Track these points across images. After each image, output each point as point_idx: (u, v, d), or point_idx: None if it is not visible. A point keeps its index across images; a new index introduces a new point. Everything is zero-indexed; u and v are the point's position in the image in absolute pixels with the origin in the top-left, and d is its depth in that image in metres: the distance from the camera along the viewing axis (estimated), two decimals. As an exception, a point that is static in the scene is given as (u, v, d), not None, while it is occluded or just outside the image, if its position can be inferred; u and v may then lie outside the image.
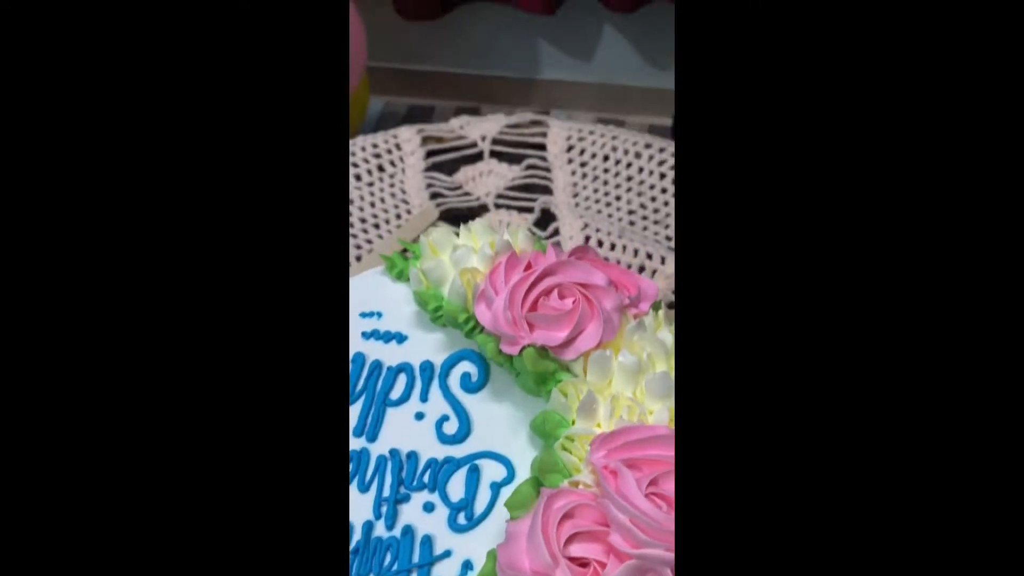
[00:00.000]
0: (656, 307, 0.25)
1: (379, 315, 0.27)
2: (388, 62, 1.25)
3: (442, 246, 0.28)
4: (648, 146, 0.46)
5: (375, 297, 0.28)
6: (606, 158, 0.46)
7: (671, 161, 0.45)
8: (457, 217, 0.44)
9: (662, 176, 0.45)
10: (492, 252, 0.26)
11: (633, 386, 0.22)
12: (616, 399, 0.22)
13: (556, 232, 0.41)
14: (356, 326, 0.27)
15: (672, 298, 0.38)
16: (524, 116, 0.49)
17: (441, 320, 0.26)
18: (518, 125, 0.48)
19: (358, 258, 0.41)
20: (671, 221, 0.43)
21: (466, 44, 1.22)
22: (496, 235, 0.27)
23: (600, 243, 0.40)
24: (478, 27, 1.17)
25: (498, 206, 0.44)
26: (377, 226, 0.43)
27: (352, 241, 0.42)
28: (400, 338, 0.26)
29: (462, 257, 0.26)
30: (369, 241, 0.42)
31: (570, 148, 0.47)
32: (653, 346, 0.23)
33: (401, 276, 0.28)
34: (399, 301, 0.27)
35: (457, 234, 0.29)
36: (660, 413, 0.21)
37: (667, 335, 0.24)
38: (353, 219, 0.43)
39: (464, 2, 1.08)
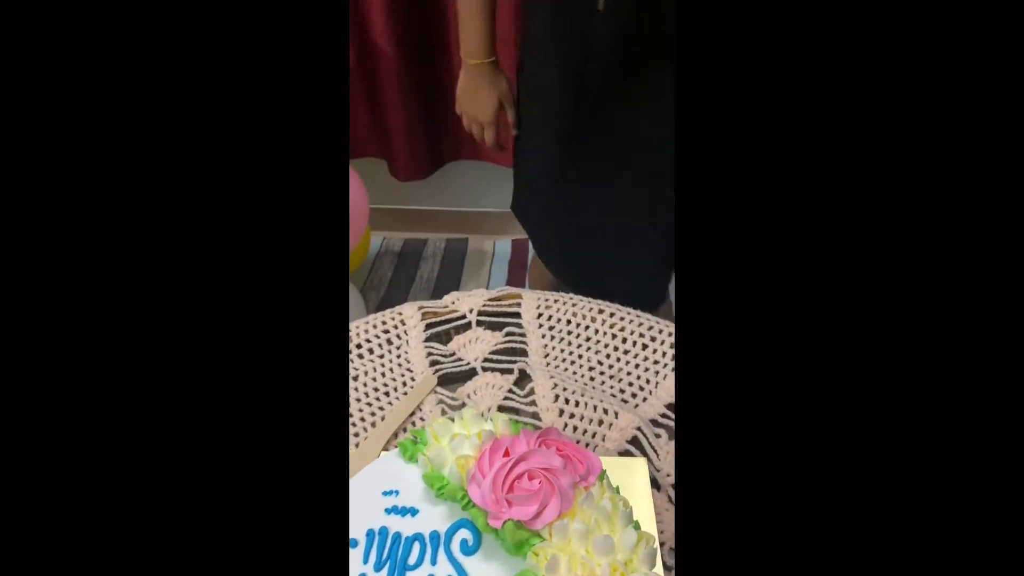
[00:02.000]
0: (601, 478, 0.35)
1: (397, 492, 0.36)
2: (385, 204, 1.42)
3: (442, 434, 0.37)
4: (601, 311, 0.58)
5: (393, 477, 0.37)
6: (568, 322, 0.58)
7: (621, 323, 0.57)
8: (452, 380, 0.54)
9: (613, 336, 0.56)
10: (479, 441, 0.36)
11: (585, 545, 0.31)
12: (573, 557, 0.31)
13: (532, 391, 0.51)
14: (380, 503, 0.36)
15: (625, 447, 0.47)
16: (503, 290, 0.61)
17: (444, 495, 0.35)
18: (498, 298, 0.60)
19: (373, 424, 0.50)
20: (623, 375, 0.53)
21: (452, 188, 1.39)
22: (483, 424, 0.37)
23: (566, 400, 0.50)
24: (464, 176, 1.35)
25: (485, 369, 0.54)
26: (387, 394, 0.53)
27: (368, 408, 0.52)
28: (413, 512, 0.35)
29: (457, 445, 0.36)
30: (381, 408, 0.52)
31: (540, 315, 0.58)
32: (598, 513, 0.32)
33: (412, 458, 0.38)
34: (412, 480, 0.37)
35: (452, 420, 0.39)
36: (604, 568, 0.30)
37: (607, 502, 0.33)
38: (368, 388, 0.53)
39: (449, 160, 1.26)
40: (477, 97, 0.68)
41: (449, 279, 1.40)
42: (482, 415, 0.39)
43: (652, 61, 0.59)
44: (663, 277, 0.82)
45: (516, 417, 0.49)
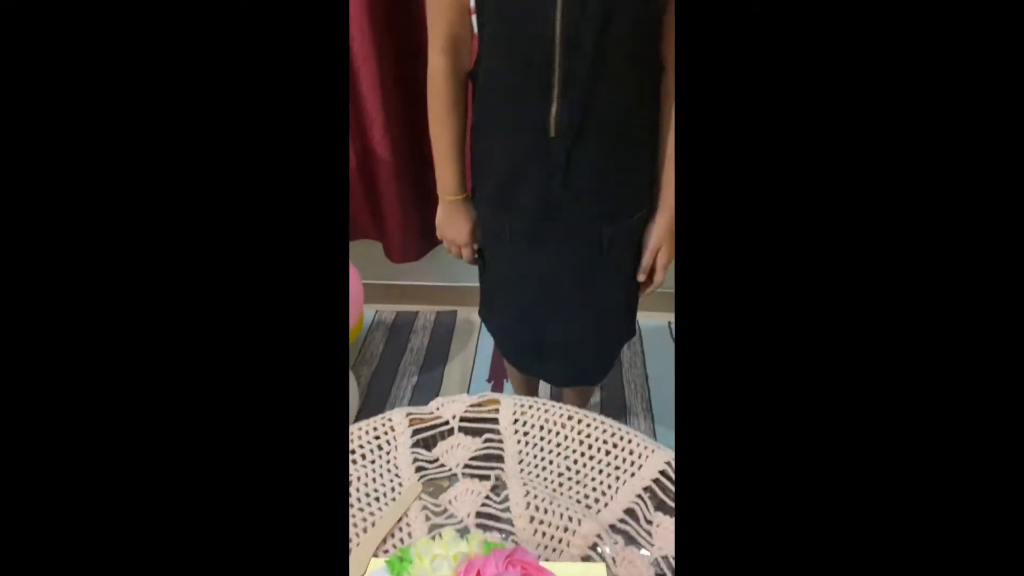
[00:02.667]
0: (558, 596, 0.41)
1: (385, 608, 0.42)
2: (378, 279, 1.50)
3: (425, 553, 0.44)
4: (571, 418, 0.65)
5: (382, 593, 0.43)
6: (541, 428, 0.65)
7: (587, 430, 0.64)
8: (436, 485, 0.60)
9: (580, 443, 0.63)
10: (455, 564, 0.42)
11: (542, 661, 0.38)
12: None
13: (507, 498, 0.58)
14: (370, 618, 0.42)
15: (587, 552, 0.53)
16: (484, 395, 0.68)
17: (425, 612, 0.41)
18: (479, 404, 0.67)
19: (364, 530, 0.56)
20: (588, 481, 0.60)
21: (442, 265, 1.48)
22: (460, 544, 0.44)
23: (536, 507, 0.57)
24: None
25: (465, 475, 0.61)
26: (377, 499, 0.59)
27: (359, 514, 0.58)
28: (400, 626, 0.41)
29: (438, 566, 0.42)
30: (372, 513, 0.58)
31: (515, 421, 0.66)
32: (553, 631, 0.39)
33: (400, 574, 0.44)
34: (398, 596, 0.43)
35: (434, 539, 0.45)
36: None
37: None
38: (360, 494, 0.59)
39: (439, 243, 1.35)
40: (453, 226, 0.79)
41: (438, 351, 1.47)
42: (460, 532, 0.45)
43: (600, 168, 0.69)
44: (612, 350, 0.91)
45: (492, 523, 0.55)
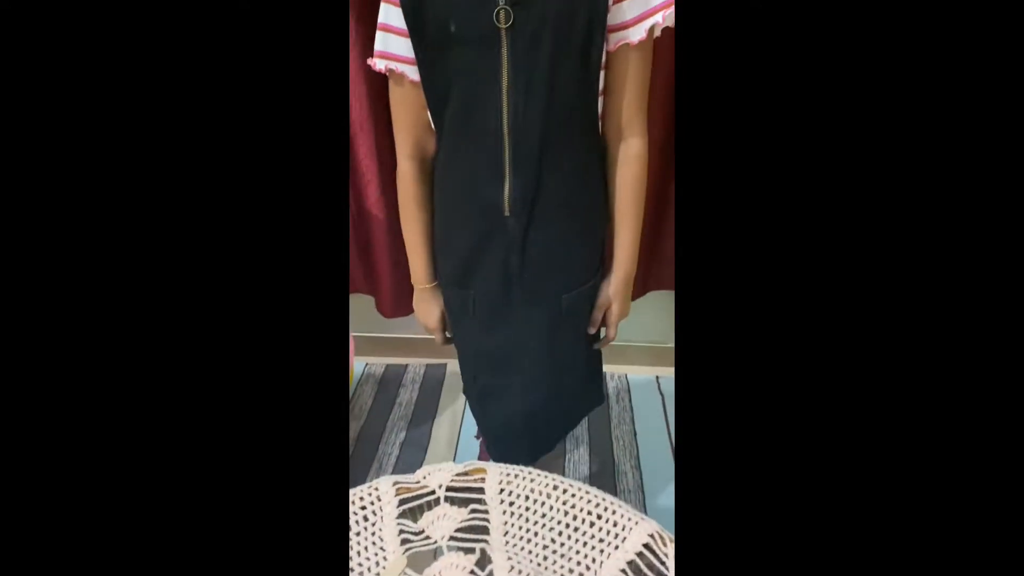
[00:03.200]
0: None
1: None
2: (367, 332, 1.51)
3: None
4: (556, 487, 0.66)
5: None
6: (527, 498, 0.65)
7: (572, 500, 0.64)
8: (421, 558, 0.60)
9: (565, 513, 0.64)
10: None
11: None
12: None
13: (492, 573, 0.58)
14: None
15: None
16: (470, 464, 0.69)
17: None
18: (465, 473, 0.68)
19: (347, 607, 0.56)
20: (572, 554, 0.60)
21: (433, 320, 1.49)
22: None
23: (522, 583, 0.56)
24: (442, 311, 1.46)
25: (450, 548, 0.61)
26: (362, 575, 0.59)
27: (342, 590, 0.57)
28: None
29: None
30: (355, 589, 0.57)
31: (501, 490, 0.66)
32: None
33: None
34: None
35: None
36: None
37: None
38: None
39: (431, 300, 1.38)
40: (424, 311, 0.85)
41: (427, 404, 1.46)
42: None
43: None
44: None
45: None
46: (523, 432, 0.88)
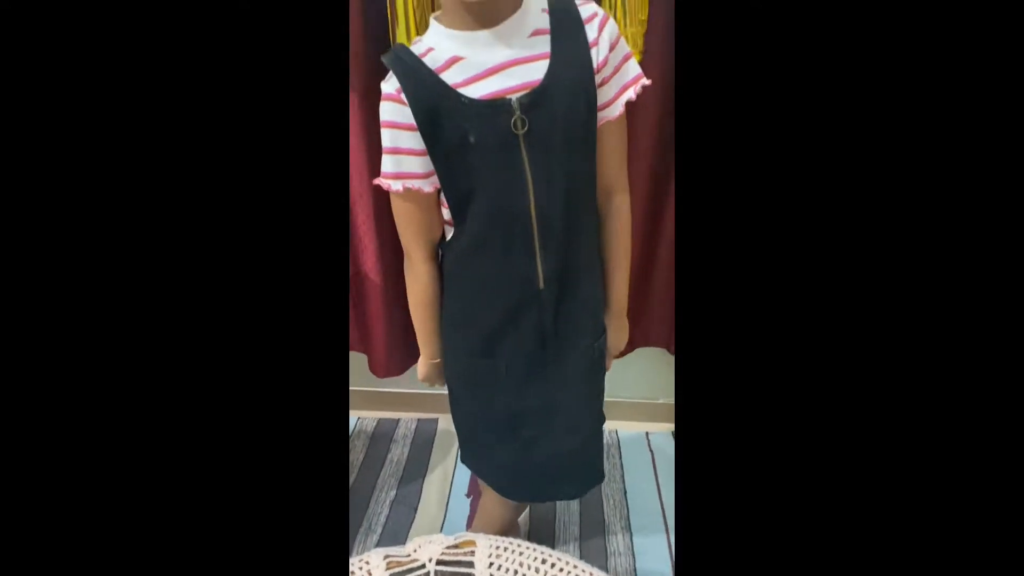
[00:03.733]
0: None
1: None
2: (360, 386, 1.52)
3: None
4: (544, 561, 0.67)
5: None
6: (515, 572, 0.66)
7: (560, 575, 0.65)
8: (410, 635, 0.60)
9: (554, 589, 0.65)
10: None
11: None
12: None
13: (480, 651, 0.58)
14: None
15: None
16: (460, 536, 0.70)
17: None
18: (456, 545, 0.69)
19: None
20: (561, 632, 0.61)
21: (425, 376, 1.51)
22: None
23: (510, 663, 0.57)
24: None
25: (440, 625, 0.61)
26: (351, 654, 0.59)
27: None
28: None
29: None
30: (344, 670, 0.57)
31: (491, 564, 0.67)
32: None
33: None
34: None
35: None
36: None
37: None
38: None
39: (423, 357, 1.41)
40: (436, 375, 0.93)
41: (418, 461, 1.46)
42: None
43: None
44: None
45: None
46: (570, 468, 0.94)
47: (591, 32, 0.67)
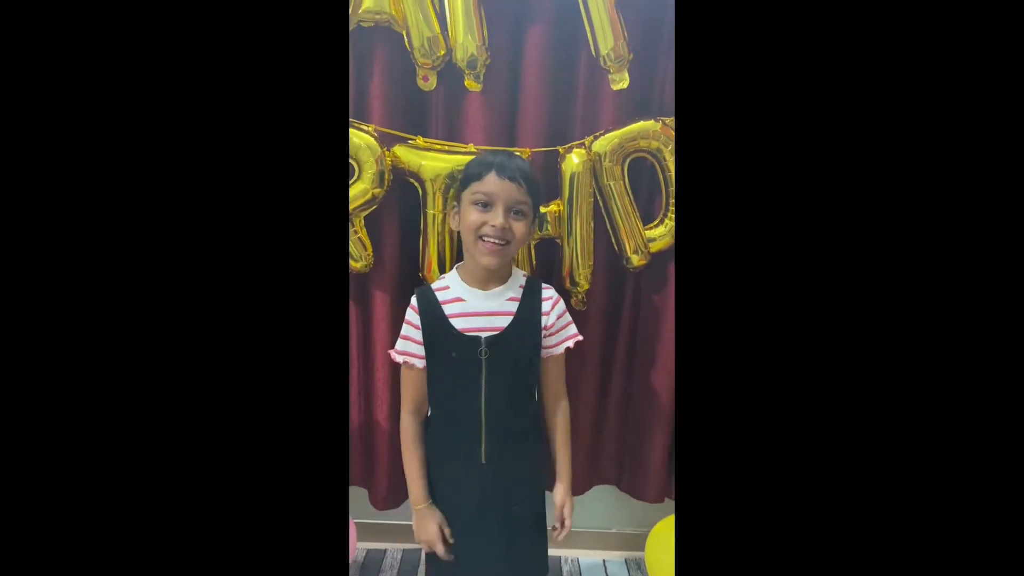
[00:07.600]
0: None
1: None
2: (356, 519, 1.70)
3: None
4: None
5: None
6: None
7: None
8: None
9: None
10: None
11: None
12: None
13: None
14: None
15: None
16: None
17: None
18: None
19: None
20: None
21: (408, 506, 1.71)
22: None
23: None
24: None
25: None
26: None
27: None
28: None
29: None
30: None
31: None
32: None
33: None
34: None
35: None
36: None
37: None
38: None
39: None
40: (424, 528, 1.18)
41: (403, 591, 1.60)
42: None
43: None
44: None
45: None
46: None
47: (546, 307, 1.12)
